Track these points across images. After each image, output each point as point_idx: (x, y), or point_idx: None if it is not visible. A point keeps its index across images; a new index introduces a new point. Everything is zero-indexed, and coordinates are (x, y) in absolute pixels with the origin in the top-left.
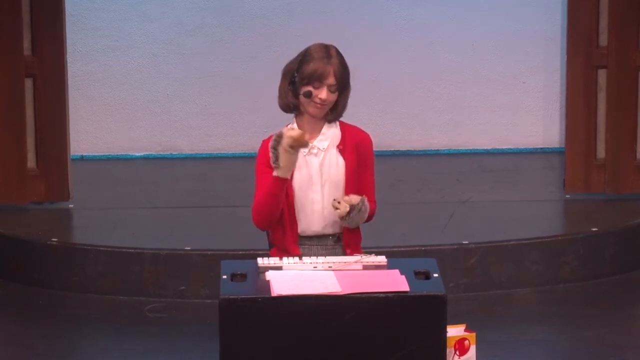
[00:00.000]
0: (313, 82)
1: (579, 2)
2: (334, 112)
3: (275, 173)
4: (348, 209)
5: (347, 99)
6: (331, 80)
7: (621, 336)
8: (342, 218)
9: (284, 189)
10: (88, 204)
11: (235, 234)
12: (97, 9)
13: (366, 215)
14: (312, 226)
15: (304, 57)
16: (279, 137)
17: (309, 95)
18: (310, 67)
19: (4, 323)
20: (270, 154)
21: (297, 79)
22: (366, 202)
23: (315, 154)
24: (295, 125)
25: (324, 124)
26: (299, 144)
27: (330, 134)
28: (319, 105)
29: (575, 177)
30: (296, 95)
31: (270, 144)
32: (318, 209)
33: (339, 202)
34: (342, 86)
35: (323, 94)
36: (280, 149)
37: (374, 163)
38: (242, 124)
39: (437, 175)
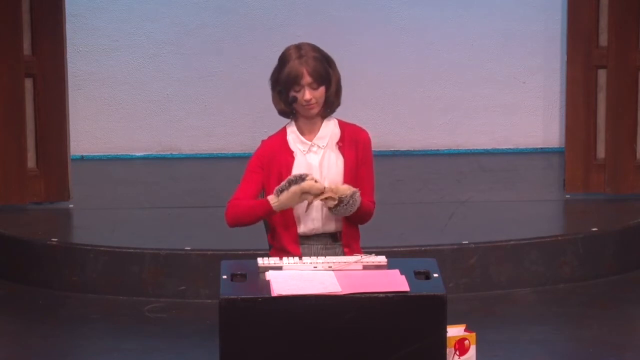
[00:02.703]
0: (292, 86)
1: (579, 2)
2: (327, 107)
3: (273, 204)
4: (336, 202)
5: (339, 89)
6: (307, 79)
7: (621, 336)
8: (330, 208)
9: (270, 217)
10: (88, 204)
11: (235, 234)
12: (97, 8)
13: (356, 208)
14: (311, 224)
15: (280, 63)
16: (301, 179)
17: (294, 100)
18: (285, 72)
19: (4, 323)
20: (283, 185)
21: (280, 86)
22: (357, 196)
23: (315, 152)
24: (294, 127)
25: (322, 122)
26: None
27: (329, 132)
28: (307, 107)
29: (575, 177)
30: (286, 102)
31: (289, 179)
32: (317, 206)
33: (328, 196)
34: (323, 79)
35: (306, 95)
36: (293, 189)
37: (373, 161)
38: (242, 124)
39: (437, 175)
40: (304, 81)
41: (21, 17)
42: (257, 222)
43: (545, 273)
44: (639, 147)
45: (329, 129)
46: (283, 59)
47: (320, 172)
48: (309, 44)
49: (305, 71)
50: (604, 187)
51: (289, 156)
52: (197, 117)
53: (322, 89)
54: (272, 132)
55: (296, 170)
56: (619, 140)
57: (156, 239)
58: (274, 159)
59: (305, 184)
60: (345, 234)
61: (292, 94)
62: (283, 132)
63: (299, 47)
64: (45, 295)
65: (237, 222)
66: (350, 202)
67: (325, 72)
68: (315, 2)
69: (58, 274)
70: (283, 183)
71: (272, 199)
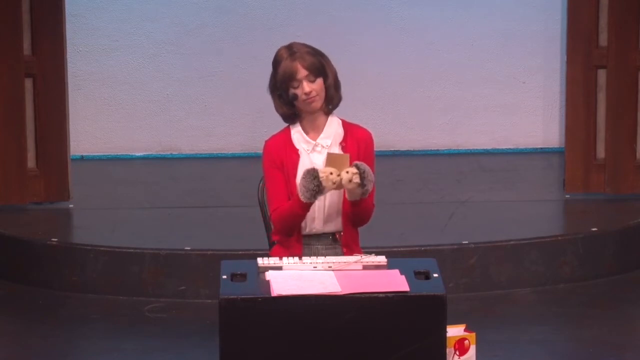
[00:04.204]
0: (290, 83)
1: (579, 1)
2: (329, 102)
3: (306, 201)
4: (357, 171)
5: (337, 83)
6: (302, 73)
7: (621, 336)
8: (359, 185)
9: (310, 208)
10: (88, 204)
11: (235, 234)
12: (97, 8)
13: (372, 178)
14: (313, 223)
15: (274, 67)
16: (315, 175)
17: (295, 98)
18: (280, 72)
19: (4, 323)
20: (307, 192)
21: (279, 90)
22: (363, 165)
23: (319, 152)
24: (298, 127)
25: (325, 121)
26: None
27: (333, 132)
28: (309, 100)
29: (575, 177)
30: (288, 103)
31: (308, 185)
32: (320, 205)
33: (347, 172)
34: (319, 71)
35: (305, 87)
36: (319, 186)
37: (375, 163)
38: (242, 124)
39: (437, 175)
40: (300, 75)
41: (21, 17)
42: (301, 222)
43: (545, 273)
44: (639, 147)
45: (333, 129)
46: (276, 62)
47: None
48: (299, 42)
49: (299, 65)
50: (604, 187)
51: (294, 154)
52: (197, 117)
53: (319, 80)
54: (272, 132)
55: (301, 169)
56: (619, 140)
57: (156, 239)
58: (280, 156)
59: (328, 186)
60: (344, 234)
61: (292, 91)
62: (287, 131)
63: (289, 46)
64: (45, 295)
65: (290, 231)
66: (364, 168)
67: (320, 64)
68: (315, 2)
69: (58, 274)
70: (308, 191)
71: (304, 198)
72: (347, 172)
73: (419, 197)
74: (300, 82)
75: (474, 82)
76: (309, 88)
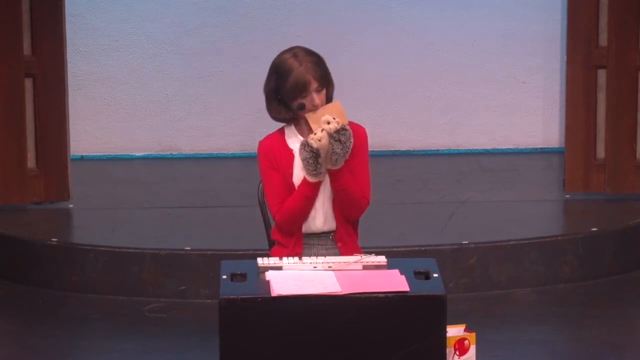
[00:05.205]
0: (300, 94)
1: (579, 2)
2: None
3: (313, 179)
4: (339, 123)
5: (332, 82)
6: (314, 85)
7: (621, 336)
8: (331, 136)
9: (319, 189)
10: (88, 204)
11: (235, 234)
12: (97, 8)
13: (350, 145)
14: (314, 222)
15: (279, 74)
16: (309, 146)
17: (302, 107)
18: (290, 83)
19: (4, 323)
20: (307, 166)
21: (282, 97)
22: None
23: None
24: (293, 129)
25: None
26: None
27: None
28: (315, 109)
29: (575, 177)
30: (289, 109)
31: (305, 155)
32: (319, 205)
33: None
34: (325, 81)
35: (315, 100)
36: (319, 154)
37: (368, 158)
38: (242, 124)
39: (437, 175)
40: (311, 87)
41: (21, 17)
42: (310, 209)
43: (545, 273)
44: (639, 147)
45: None
46: (284, 70)
47: None
48: (300, 49)
49: (310, 77)
50: (604, 187)
51: (289, 154)
52: (197, 117)
53: (324, 90)
54: (271, 132)
55: (297, 168)
56: (619, 140)
57: (156, 239)
58: (275, 157)
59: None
60: (338, 228)
61: (300, 101)
62: (281, 131)
63: (295, 54)
64: (45, 295)
65: (300, 222)
66: (347, 129)
67: (325, 73)
68: (315, 2)
69: (58, 274)
70: (308, 163)
71: (311, 178)
72: (335, 119)
73: (419, 197)
74: (309, 93)
75: (474, 82)
76: (318, 100)
